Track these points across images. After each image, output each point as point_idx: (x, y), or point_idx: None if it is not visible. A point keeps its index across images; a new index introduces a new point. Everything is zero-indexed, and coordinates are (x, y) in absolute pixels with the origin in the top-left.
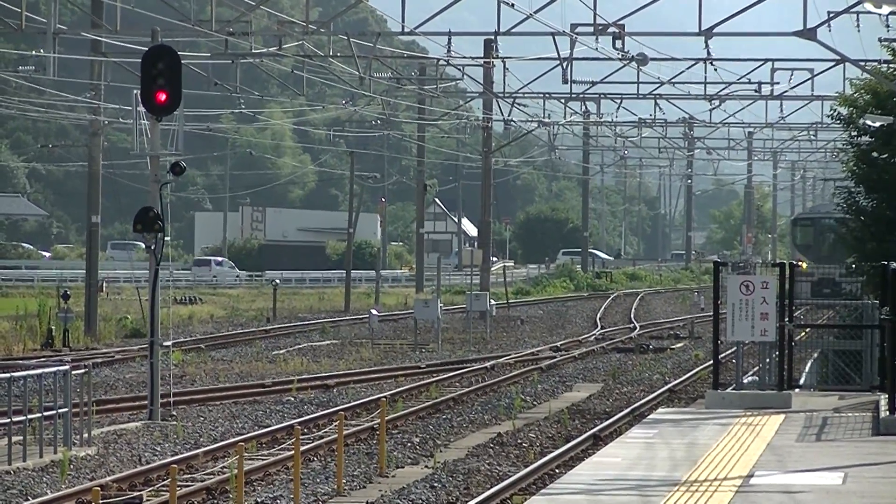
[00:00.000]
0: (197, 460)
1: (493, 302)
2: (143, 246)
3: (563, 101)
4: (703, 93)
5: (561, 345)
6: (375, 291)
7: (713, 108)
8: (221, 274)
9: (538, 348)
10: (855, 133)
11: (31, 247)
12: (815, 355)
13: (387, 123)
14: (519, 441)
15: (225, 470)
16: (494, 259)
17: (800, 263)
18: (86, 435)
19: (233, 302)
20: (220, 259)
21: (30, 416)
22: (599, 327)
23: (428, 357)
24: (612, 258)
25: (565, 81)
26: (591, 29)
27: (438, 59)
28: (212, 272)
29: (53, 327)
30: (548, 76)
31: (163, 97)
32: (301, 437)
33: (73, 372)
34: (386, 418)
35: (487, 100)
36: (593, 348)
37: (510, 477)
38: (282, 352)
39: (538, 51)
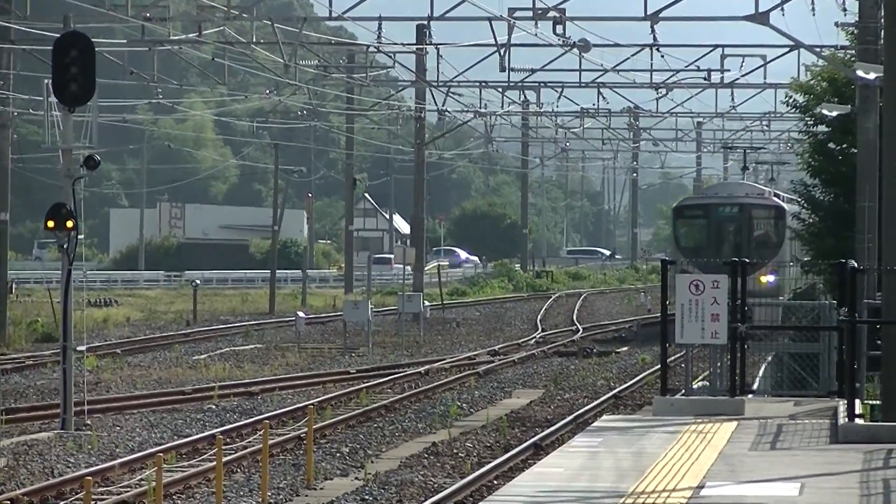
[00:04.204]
0: (113, 472)
1: (426, 303)
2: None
3: (500, 89)
4: (648, 81)
5: (499, 348)
6: (302, 292)
7: (660, 97)
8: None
9: (475, 352)
10: (811, 121)
11: None
12: (770, 359)
13: (313, 114)
14: (455, 451)
15: (143, 482)
16: (465, 255)
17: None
18: None
19: (150, 304)
20: (390, 256)
21: None
22: (540, 330)
23: (358, 362)
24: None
25: (503, 69)
26: (529, 13)
27: (368, 46)
28: (393, 270)
29: None
30: (484, 63)
31: (75, 87)
32: (223, 447)
33: None
34: (313, 427)
35: (420, 89)
36: (533, 352)
37: (445, 489)
38: (203, 357)
39: (474, 37)
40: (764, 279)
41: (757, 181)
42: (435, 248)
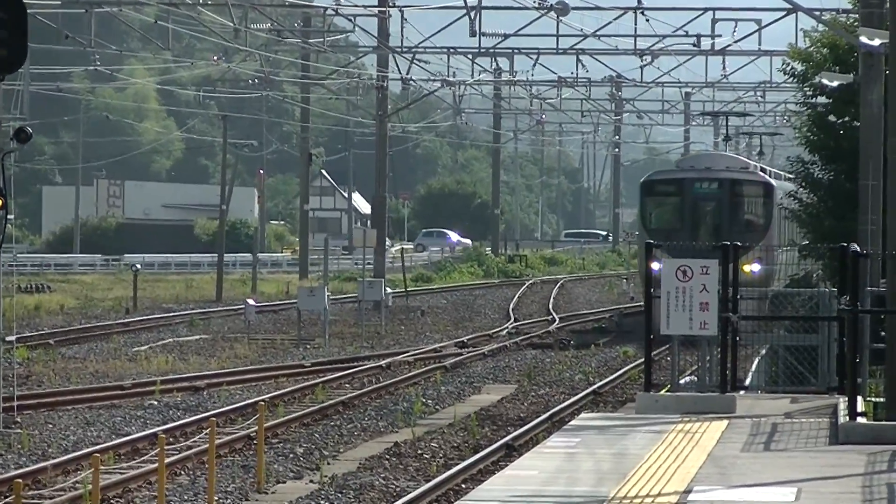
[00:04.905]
0: (45, 474)
1: (388, 290)
2: None
3: (470, 56)
4: (632, 47)
5: (468, 340)
6: (252, 278)
7: (645, 65)
8: None
9: (441, 344)
10: (810, 92)
11: None
12: (763, 352)
13: (265, 83)
14: (419, 451)
15: (78, 485)
16: (457, 237)
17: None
18: None
19: (86, 290)
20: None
21: None
22: (512, 320)
23: (313, 354)
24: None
25: (473, 34)
26: None
27: (325, 9)
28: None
29: None
30: (453, 28)
31: (5, 52)
32: (166, 447)
33: None
34: (265, 425)
35: (382, 55)
36: (505, 344)
37: (409, 493)
38: (143, 348)
39: None
40: (748, 268)
41: (751, 156)
42: (424, 230)
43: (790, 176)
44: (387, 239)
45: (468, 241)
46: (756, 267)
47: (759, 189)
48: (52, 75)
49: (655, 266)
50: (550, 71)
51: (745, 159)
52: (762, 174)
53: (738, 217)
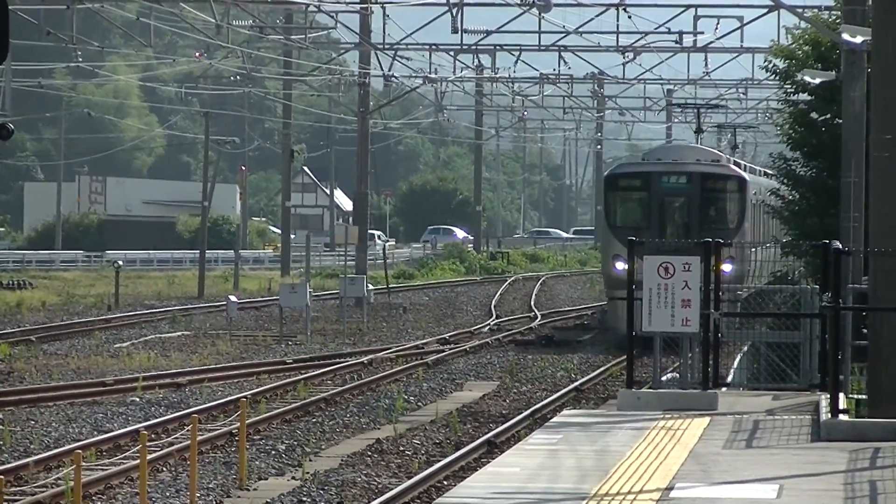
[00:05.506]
0: (27, 471)
1: (370, 287)
2: None
3: (452, 53)
4: (614, 44)
5: (450, 337)
6: (234, 275)
7: (627, 62)
8: None
9: (423, 341)
10: (792, 89)
11: None
12: (745, 349)
13: (247, 79)
14: (401, 448)
15: (60, 482)
16: (462, 234)
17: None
18: None
19: (68, 286)
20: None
21: None
22: (494, 316)
23: (295, 351)
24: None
25: (455, 31)
26: None
27: (308, 5)
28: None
29: None
30: (435, 24)
31: None
32: (148, 443)
33: None
34: (247, 422)
35: (364, 52)
36: (487, 341)
37: (391, 490)
38: (125, 345)
39: None
40: None
41: (734, 153)
42: (430, 227)
43: (767, 171)
44: (381, 234)
45: (472, 238)
46: (727, 267)
47: (731, 183)
48: (34, 72)
49: (620, 266)
50: (532, 68)
51: (717, 152)
52: (735, 167)
53: (708, 213)
